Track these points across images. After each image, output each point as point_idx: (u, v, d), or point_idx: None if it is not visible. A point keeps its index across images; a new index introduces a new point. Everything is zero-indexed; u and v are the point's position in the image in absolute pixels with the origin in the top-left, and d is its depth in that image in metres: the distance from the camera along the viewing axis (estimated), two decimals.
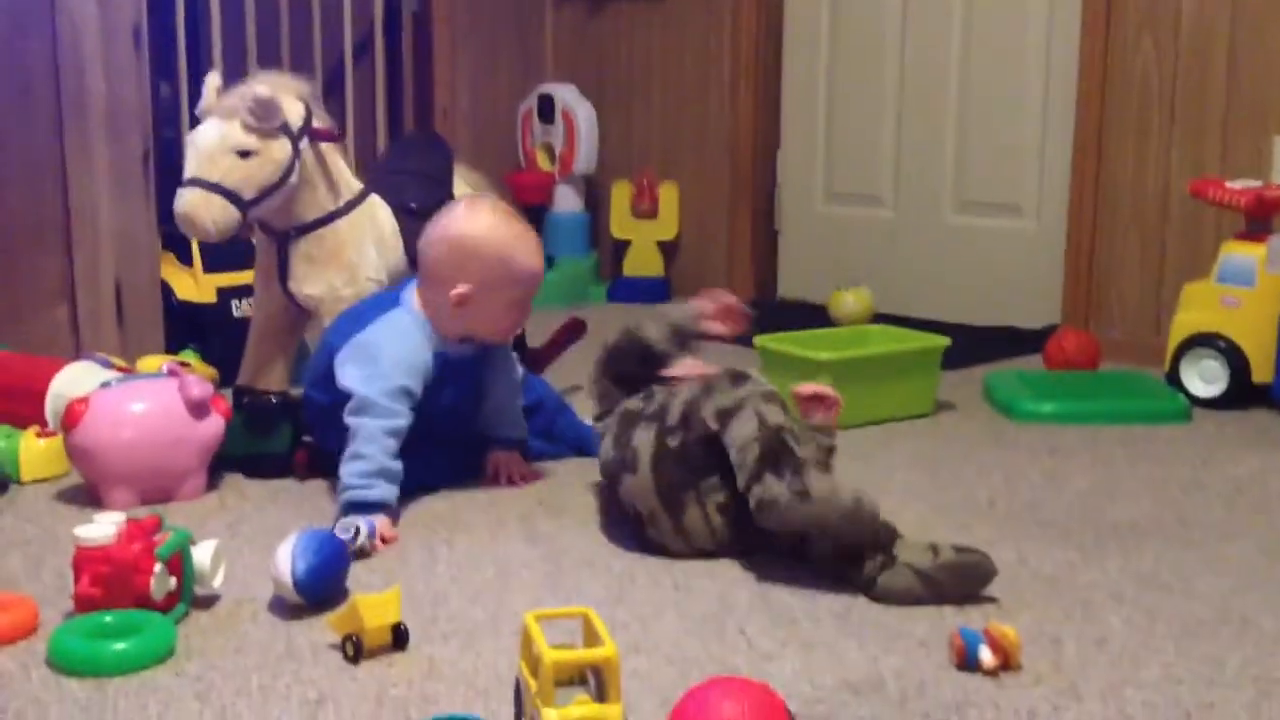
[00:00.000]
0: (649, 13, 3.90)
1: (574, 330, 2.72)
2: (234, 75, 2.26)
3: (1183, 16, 2.88)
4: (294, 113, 2.17)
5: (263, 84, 2.14)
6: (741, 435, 1.65)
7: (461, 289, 1.92)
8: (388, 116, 3.84)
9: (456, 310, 1.94)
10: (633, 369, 1.95)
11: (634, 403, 1.85)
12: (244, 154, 2.10)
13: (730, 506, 1.71)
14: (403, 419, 1.89)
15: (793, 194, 3.78)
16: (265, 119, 2.10)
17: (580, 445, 2.20)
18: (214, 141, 2.10)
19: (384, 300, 2.03)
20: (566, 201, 3.95)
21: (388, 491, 1.85)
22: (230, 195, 2.09)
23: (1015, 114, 3.29)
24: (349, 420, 1.88)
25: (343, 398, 1.91)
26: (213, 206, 2.08)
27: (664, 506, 1.72)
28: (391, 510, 1.85)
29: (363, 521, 1.76)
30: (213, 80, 2.19)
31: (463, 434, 2.07)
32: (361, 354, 1.92)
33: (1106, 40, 3.00)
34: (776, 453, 1.61)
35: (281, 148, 2.13)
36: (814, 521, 1.60)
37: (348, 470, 1.85)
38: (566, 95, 3.91)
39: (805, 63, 3.70)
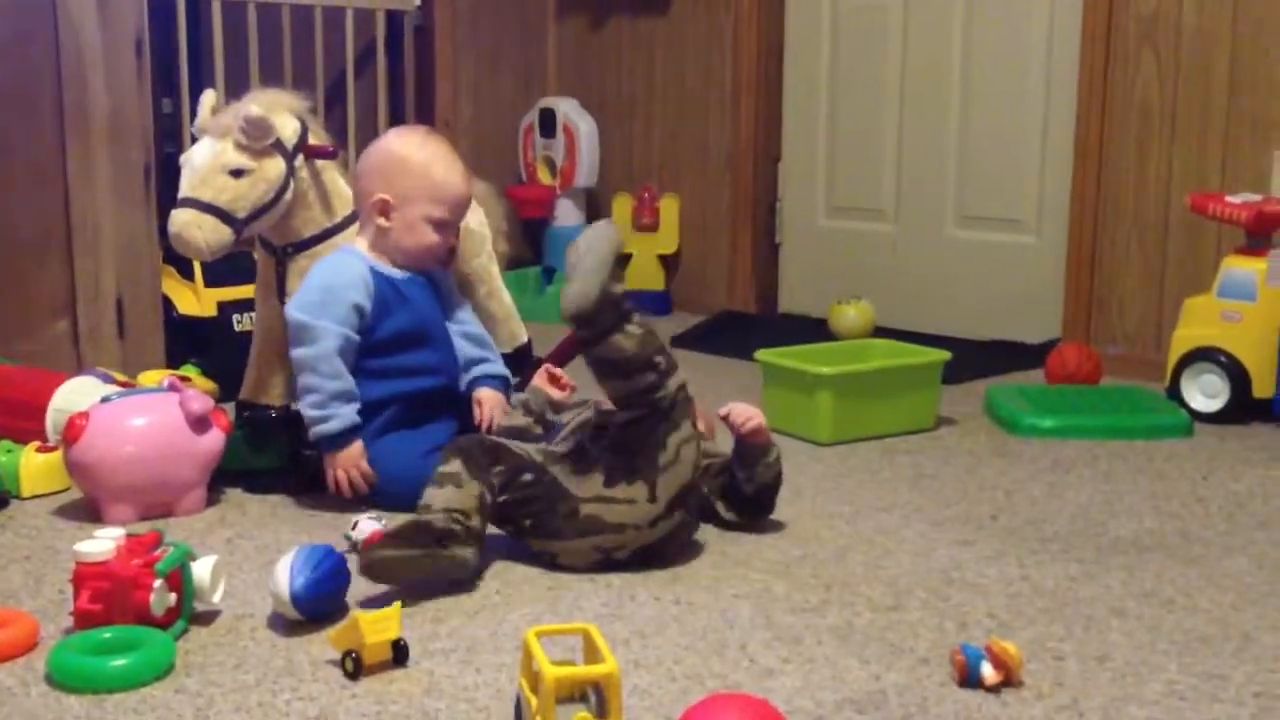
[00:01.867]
0: (650, 27, 3.91)
1: (580, 341, 2.71)
2: (236, 88, 2.27)
3: (1183, 30, 2.89)
4: (288, 130, 2.17)
5: (256, 102, 2.15)
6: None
7: (383, 195, 2.03)
8: (389, 129, 3.84)
9: (379, 221, 2.04)
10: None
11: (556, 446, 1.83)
12: (237, 173, 2.10)
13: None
14: (332, 338, 1.96)
15: (794, 207, 3.79)
16: (258, 138, 2.11)
17: None
18: (207, 161, 2.11)
19: None
20: (567, 215, 3.95)
21: (347, 414, 1.96)
22: (222, 215, 2.09)
23: (1016, 127, 3.30)
24: (291, 354, 1.99)
25: None
26: (205, 226, 2.09)
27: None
28: (358, 433, 1.97)
29: (364, 519, 1.82)
30: (208, 99, 2.20)
31: (451, 392, 2.11)
32: (300, 289, 2.04)
33: (1107, 54, 3.00)
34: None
35: (275, 166, 2.13)
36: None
37: (304, 405, 1.97)
38: (568, 109, 3.92)
39: (806, 76, 3.71)
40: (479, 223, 2.48)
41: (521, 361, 2.56)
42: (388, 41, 3.82)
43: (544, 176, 3.97)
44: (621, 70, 4.01)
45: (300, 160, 2.18)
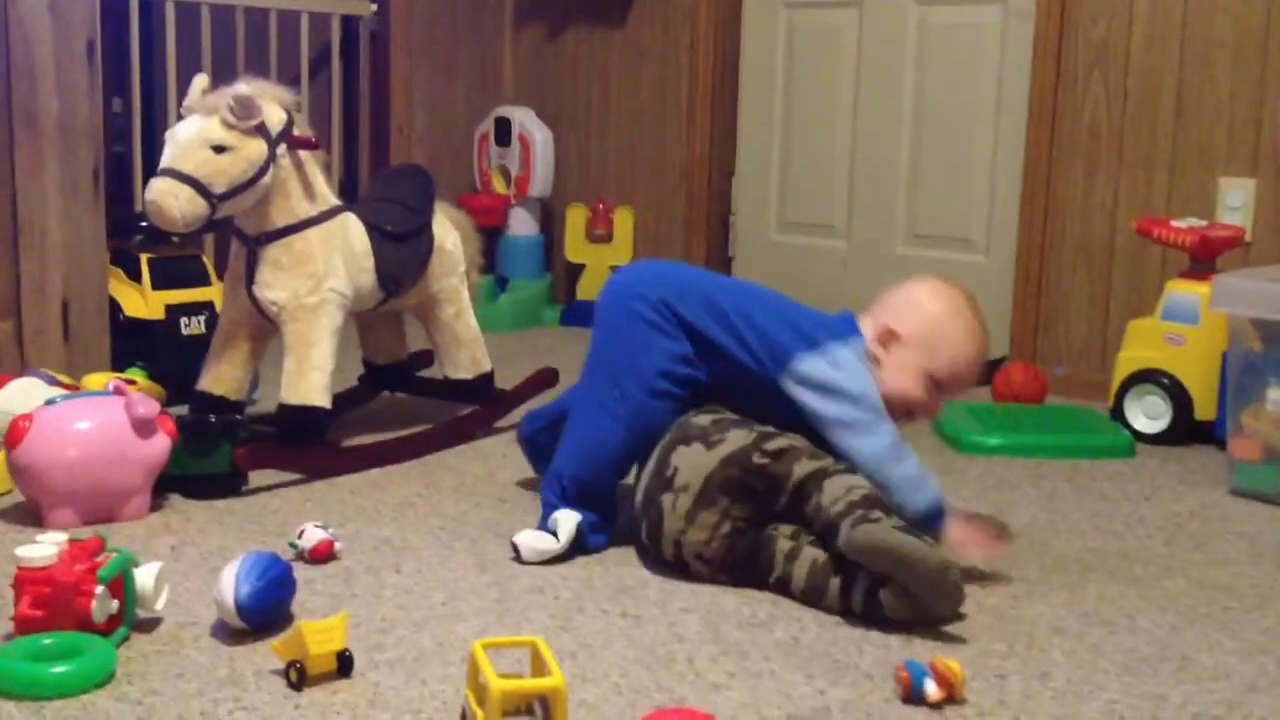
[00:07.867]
0: (607, 38, 3.92)
1: (544, 380, 2.73)
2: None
3: (1132, 57, 2.94)
4: (274, 117, 2.20)
5: (247, 85, 2.18)
6: (840, 485, 1.71)
7: (892, 324, 1.90)
8: (343, 135, 3.82)
9: (877, 349, 1.89)
10: None
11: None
12: (219, 149, 2.12)
13: (733, 538, 1.74)
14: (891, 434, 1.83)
15: (747, 222, 3.81)
16: (244, 116, 2.14)
17: None
18: (191, 135, 2.13)
19: (834, 323, 1.95)
20: (521, 224, 3.95)
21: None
22: (200, 187, 2.11)
23: (967, 148, 3.33)
24: (858, 446, 1.80)
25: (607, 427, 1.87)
26: (181, 196, 2.10)
27: (700, 490, 1.73)
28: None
29: (311, 527, 1.81)
30: (200, 81, 2.22)
31: None
32: (839, 364, 1.86)
33: (1057, 78, 3.04)
34: (876, 500, 1.69)
35: (257, 147, 2.16)
36: (904, 557, 1.60)
37: (910, 488, 1.78)
38: (523, 118, 3.92)
39: (761, 92, 3.73)
40: (454, 244, 2.52)
41: (482, 389, 2.57)
42: (343, 46, 3.80)
43: (498, 185, 3.96)
44: (578, 81, 4.01)
45: (283, 149, 2.21)
